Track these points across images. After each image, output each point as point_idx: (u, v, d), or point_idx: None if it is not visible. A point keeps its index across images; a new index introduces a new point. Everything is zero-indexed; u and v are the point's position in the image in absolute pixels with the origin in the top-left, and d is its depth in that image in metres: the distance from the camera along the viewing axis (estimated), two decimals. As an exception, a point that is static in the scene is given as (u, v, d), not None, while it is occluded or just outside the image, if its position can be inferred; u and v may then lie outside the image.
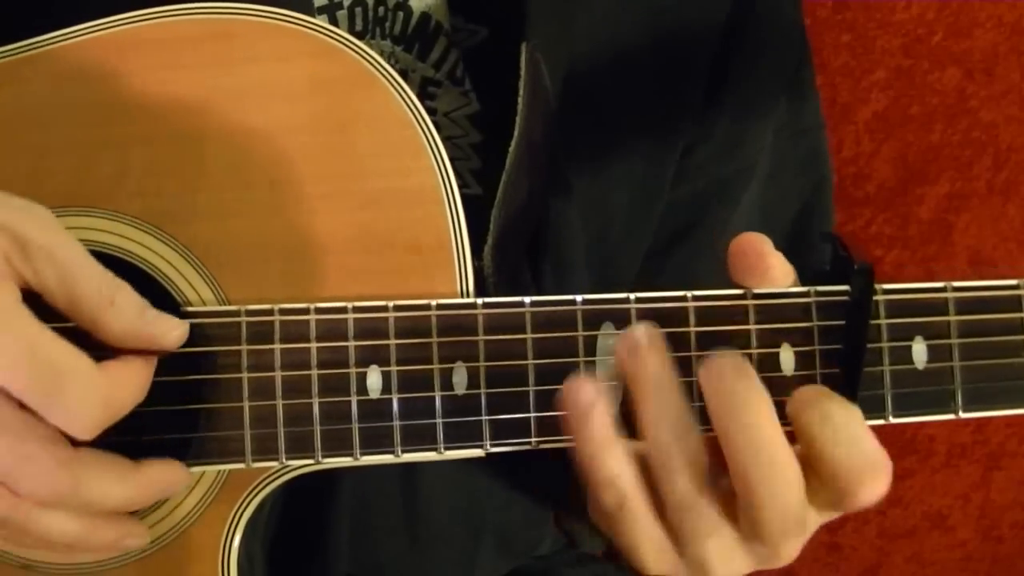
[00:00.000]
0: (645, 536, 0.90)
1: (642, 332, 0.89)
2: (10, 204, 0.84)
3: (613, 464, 0.88)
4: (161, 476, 0.88)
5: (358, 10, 1.08)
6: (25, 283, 0.83)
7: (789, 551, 0.90)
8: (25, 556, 0.92)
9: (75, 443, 0.84)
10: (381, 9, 1.08)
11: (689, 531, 0.89)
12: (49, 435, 0.83)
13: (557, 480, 1.16)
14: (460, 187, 0.93)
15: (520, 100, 1.01)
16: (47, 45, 0.93)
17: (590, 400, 0.87)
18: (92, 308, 0.84)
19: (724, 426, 0.87)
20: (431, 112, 0.94)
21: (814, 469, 0.87)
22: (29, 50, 0.94)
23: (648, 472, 0.88)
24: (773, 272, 0.91)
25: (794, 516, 0.87)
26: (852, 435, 0.87)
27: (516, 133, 1.00)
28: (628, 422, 0.89)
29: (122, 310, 0.86)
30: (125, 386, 0.86)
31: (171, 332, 0.88)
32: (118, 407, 0.85)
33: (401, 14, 1.09)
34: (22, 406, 0.82)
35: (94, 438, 0.84)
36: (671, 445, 0.87)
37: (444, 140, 0.93)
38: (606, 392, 0.88)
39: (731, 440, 0.86)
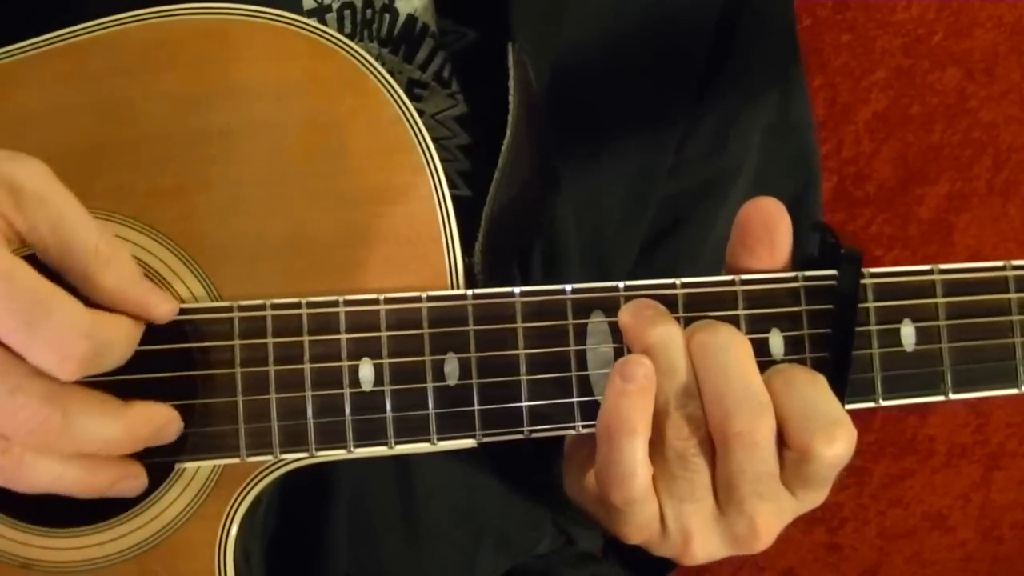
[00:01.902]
0: (636, 521, 0.91)
1: (645, 301, 0.91)
2: (3, 155, 0.83)
3: (634, 458, 0.88)
4: (152, 414, 0.87)
5: (347, 13, 1.09)
6: (16, 233, 0.83)
7: (765, 523, 0.90)
8: (23, 555, 0.92)
9: None
10: (368, 12, 1.09)
11: (678, 497, 0.90)
12: (33, 370, 0.81)
13: (550, 479, 1.17)
14: (449, 189, 0.94)
15: (511, 101, 1.01)
16: (43, 47, 0.94)
17: (646, 381, 0.87)
18: (87, 260, 0.83)
19: (701, 361, 0.88)
20: (418, 113, 0.94)
21: (782, 436, 0.88)
22: (25, 52, 0.94)
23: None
24: (782, 246, 0.92)
25: (766, 467, 0.88)
26: (810, 394, 0.88)
27: (508, 133, 1.00)
28: None
29: (118, 267, 0.85)
30: (114, 328, 0.84)
31: (163, 304, 0.87)
32: (103, 348, 0.83)
33: (388, 16, 1.09)
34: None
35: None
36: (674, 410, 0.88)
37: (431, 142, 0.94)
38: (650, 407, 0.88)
39: (708, 370, 0.88)
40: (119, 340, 0.85)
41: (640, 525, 0.91)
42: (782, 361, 0.91)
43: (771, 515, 0.90)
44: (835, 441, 0.87)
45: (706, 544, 0.92)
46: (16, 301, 0.80)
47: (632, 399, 0.87)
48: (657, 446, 0.88)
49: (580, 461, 0.96)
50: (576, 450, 0.97)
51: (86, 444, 0.84)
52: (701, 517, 0.90)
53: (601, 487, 0.90)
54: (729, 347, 0.88)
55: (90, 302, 0.84)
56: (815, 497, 0.92)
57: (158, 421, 0.88)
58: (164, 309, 0.87)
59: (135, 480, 0.88)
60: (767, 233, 0.91)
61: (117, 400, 0.86)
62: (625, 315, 0.90)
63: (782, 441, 0.88)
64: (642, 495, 0.89)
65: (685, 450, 0.88)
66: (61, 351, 0.81)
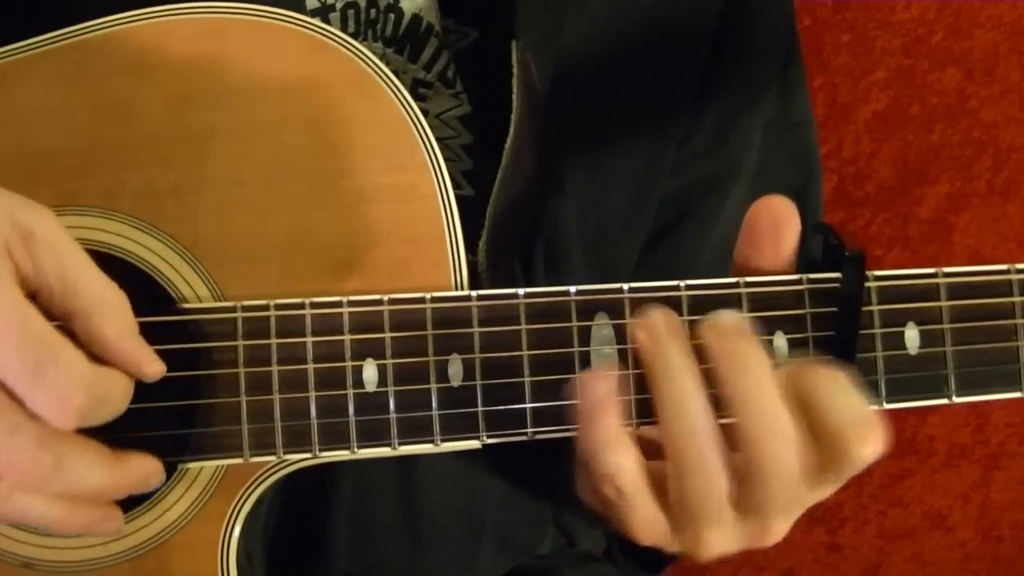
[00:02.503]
0: (640, 517, 0.91)
1: (661, 319, 0.90)
2: (14, 198, 0.84)
3: (616, 461, 0.88)
4: (139, 467, 0.88)
5: (350, 12, 1.08)
6: (22, 276, 0.83)
7: (780, 526, 0.91)
8: (26, 555, 0.92)
9: None
10: (373, 11, 1.09)
11: (692, 516, 0.89)
12: (32, 414, 0.82)
13: (555, 479, 1.17)
14: (452, 188, 0.94)
15: (514, 99, 1.01)
16: (43, 46, 0.94)
17: (601, 398, 0.88)
18: (89, 307, 0.84)
19: (731, 388, 0.87)
20: (422, 113, 0.94)
21: (811, 433, 0.87)
22: (25, 52, 0.94)
23: (655, 454, 0.89)
24: (789, 244, 0.92)
25: (792, 483, 0.88)
26: (847, 396, 0.88)
27: (511, 132, 1.00)
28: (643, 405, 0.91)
29: (120, 317, 0.85)
30: (112, 383, 0.85)
31: (154, 363, 0.87)
32: (100, 400, 0.84)
33: (392, 16, 1.09)
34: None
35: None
36: (686, 439, 0.88)
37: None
38: (617, 390, 0.88)
39: (738, 401, 0.87)
40: (116, 395, 0.85)
41: (644, 525, 0.91)
42: (786, 364, 0.91)
43: (790, 519, 0.91)
44: (872, 442, 0.87)
45: (720, 544, 0.92)
46: (26, 347, 0.80)
47: (591, 422, 0.88)
48: (657, 481, 0.89)
49: None
50: None
51: (74, 488, 0.85)
52: (718, 529, 0.90)
53: (586, 476, 0.91)
54: (752, 362, 0.88)
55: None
56: (828, 492, 0.92)
57: (144, 472, 0.88)
58: (155, 368, 0.87)
59: (112, 523, 0.89)
60: (775, 231, 0.91)
61: (108, 449, 0.86)
62: (639, 333, 0.91)
63: (808, 438, 0.88)
64: (630, 488, 0.89)
65: (692, 491, 0.88)
66: (62, 400, 0.81)
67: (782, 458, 0.86)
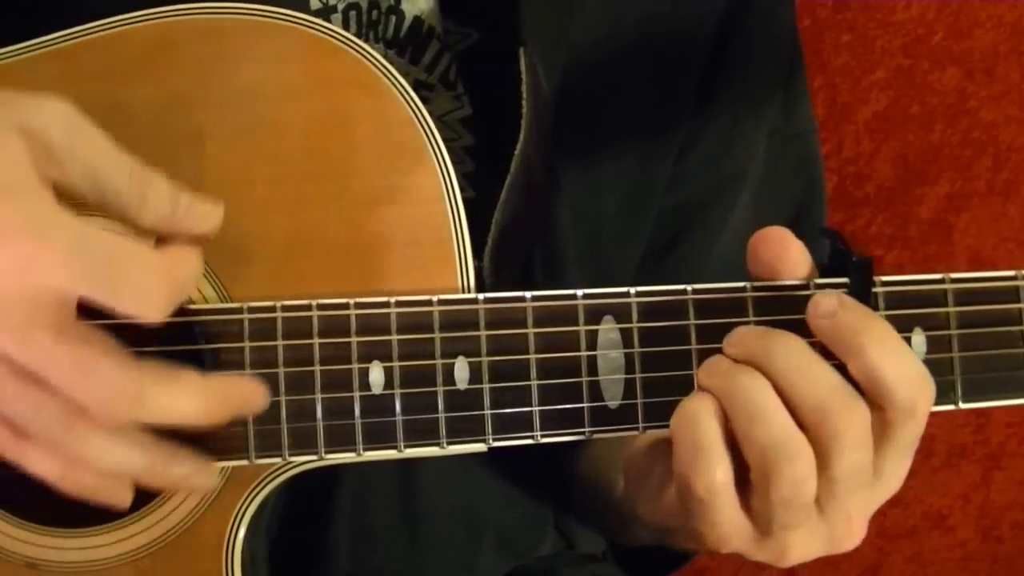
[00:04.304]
0: (725, 525, 0.90)
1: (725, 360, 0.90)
2: (26, 106, 0.82)
3: (716, 466, 0.87)
4: (233, 387, 0.86)
5: (352, 14, 1.08)
6: (55, 183, 0.82)
7: (860, 517, 0.92)
8: (29, 555, 0.92)
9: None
10: (375, 13, 1.09)
11: (781, 523, 0.89)
12: (111, 344, 0.80)
13: (557, 483, 1.17)
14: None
15: (524, 106, 1.00)
16: (45, 47, 0.94)
17: (708, 400, 0.87)
18: (122, 204, 0.83)
19: (788, 381, 0.87)
20: None
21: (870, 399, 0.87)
22: (27, 52, 0.94)
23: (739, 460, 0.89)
24: (799, 265, 0.91)
25: (863, 454, 0.88)
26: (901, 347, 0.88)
27: (521, 139, 1.00)
28: None
29: (154, 201, 0.84)
30: (183, 261, 0.84)
31: (206, 221, 0.86)
32: (181, 283, 0.83)
33: (394, 18, 1.09)
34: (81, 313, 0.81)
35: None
36: (772, 466, 0.86)
37: None
38: (718, 408, 0.87)
39: (797, 388, 0.87)
40: (191, 270, 0.85)
41: (728, 533, 0.90)
42: None
43: (866, 507, 0.92)
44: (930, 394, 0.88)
45: (803, 549, 0.92)
46: (96, 262, 0.79)
47: (689, 434, 0.87)
48: (760, 496, 0.88)
49: (660, 474, 0.94)
50: (655, 463, 0.95)
51: (162, 420, 0.82)
52: (803, 532, 0.90)
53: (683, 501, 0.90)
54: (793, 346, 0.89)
55: None
56: (900, 474, 0.94)
57: (239, 396, 0.86)
58: (209, 226, 0.86)
59: (206, 478, 0.88)
60: (778, 261, 0.91)
61: (196, 373, 0.83)
62: (703, 374, 0.90)
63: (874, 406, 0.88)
64: (723, 500, 0.88)
65: (780, 503, 0.87)
66: (148, 300, 0.80)
67: (855, 427, 0.86)
